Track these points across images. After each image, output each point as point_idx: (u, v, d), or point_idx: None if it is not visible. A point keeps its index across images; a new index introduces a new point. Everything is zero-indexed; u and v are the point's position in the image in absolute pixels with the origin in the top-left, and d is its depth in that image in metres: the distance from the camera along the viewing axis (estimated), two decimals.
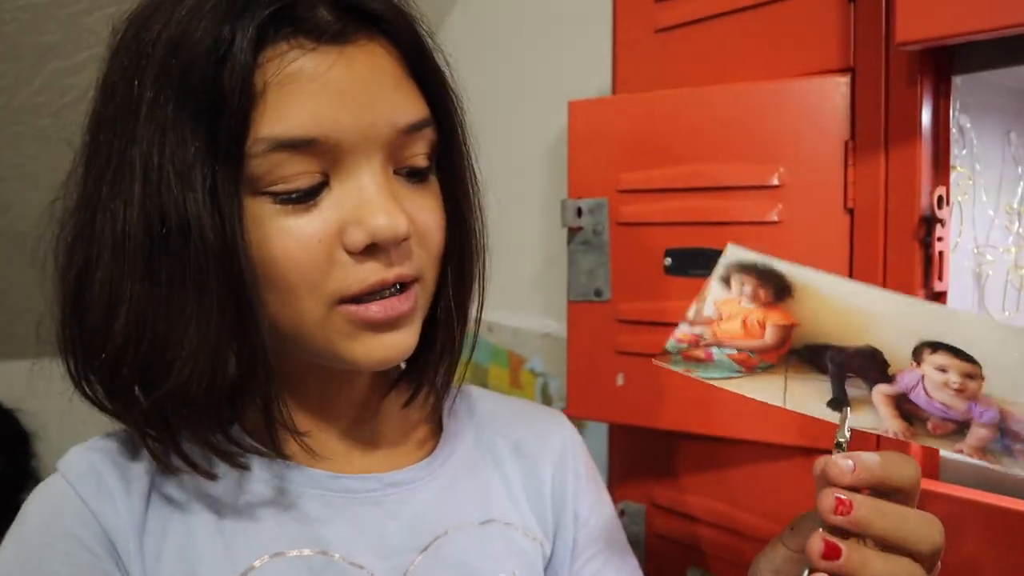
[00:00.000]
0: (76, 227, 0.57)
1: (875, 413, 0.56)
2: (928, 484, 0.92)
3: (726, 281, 0.62)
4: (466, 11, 1.99)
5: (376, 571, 0.65)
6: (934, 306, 0.59)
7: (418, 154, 0.62)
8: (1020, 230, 1.15)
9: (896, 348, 0.56)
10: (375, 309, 0.59)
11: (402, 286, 0.61)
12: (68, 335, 0.58)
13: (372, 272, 0.58)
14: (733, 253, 0.62)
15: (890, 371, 0.56)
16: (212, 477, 0.62)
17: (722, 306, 0.62)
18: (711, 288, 0.62)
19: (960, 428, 0.54)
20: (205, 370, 0.56)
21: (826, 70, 0.98)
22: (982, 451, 0.53)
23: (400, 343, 0.62)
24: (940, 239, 0.91)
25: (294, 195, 0.56)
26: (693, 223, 1.05)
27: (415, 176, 0.63)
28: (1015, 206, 1.15)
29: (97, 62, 0.57)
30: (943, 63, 0.92)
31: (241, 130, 0.54)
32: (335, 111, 0.56)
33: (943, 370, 0.55)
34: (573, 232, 1.14)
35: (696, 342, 0.61)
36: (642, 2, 1.16)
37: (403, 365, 0.73)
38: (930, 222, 0.91)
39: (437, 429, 0.76)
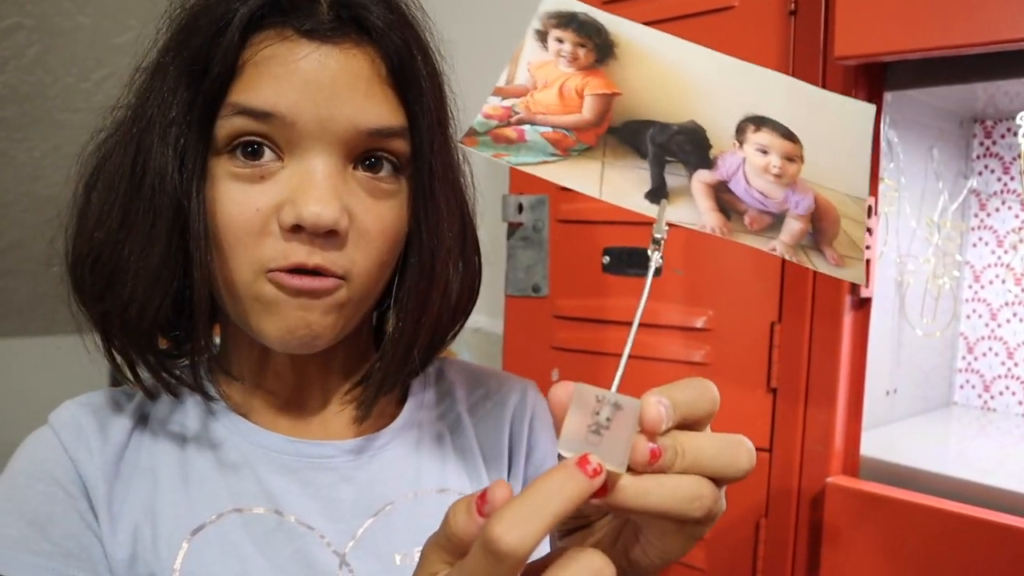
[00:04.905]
0: (100, 154, 0.66)
1: (693, 205, 0.51)
2: (848, 481, 0.96)
3: (542, 38, 0.56)
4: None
5: (326, 533, 0.66)
6: (762, 72, 0.56)
7: (383, 158, 0.64)
8: (939, 242, 1.20)
9: (720, 124, 0.53)
10: (294, 279, 0.61)
11: (322, 275, 0.63)
12: (70, 234, 0.66)
13: (295, 252, 0.60)
14: (551, 1, 0.57)
15: (712, 153, 0.52)
16: (151, 396, 0.70)
17: (537, 70, 0.56)
18: (525, 47, 0.56)
19: (776, 222, 0.51)
20: (142, 299, 0.62)
21: None
22: (795, 248, 0.50)
23: (308, 323, 0.62)
24: (867, 247, 0.95)
25: (245, 159, 0.62)
26: (631, 222, 1.07)
27: (376, 178, 0.64)
28: (935, 219, 1.21)
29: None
30: (876, 79, 0.96)
31: (217, 97, 0.60)
32: (296, 95, 0.60)
33: (764, 151, 0.52)
34: (513, 227, 1.15)
35: (507, 117, 0.54)
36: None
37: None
38: None
39: (403, 398, 0.77)
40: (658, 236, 0.49)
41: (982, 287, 1.35)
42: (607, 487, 0.41)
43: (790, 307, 0.99)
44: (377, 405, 0.74)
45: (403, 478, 0.71)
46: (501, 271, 1.18)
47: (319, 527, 0.67)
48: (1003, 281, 1.32)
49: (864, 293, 0.96)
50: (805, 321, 0.98)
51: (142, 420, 0.69)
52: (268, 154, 0.61)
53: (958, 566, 0.87)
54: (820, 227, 0.51)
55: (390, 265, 0.67)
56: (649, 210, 0.51)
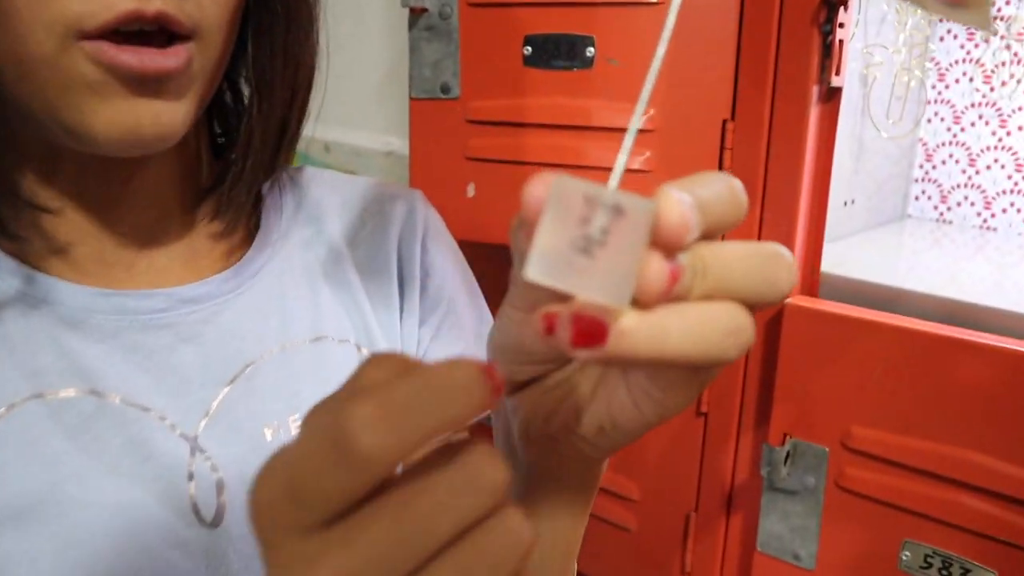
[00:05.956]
0: None
1: None
2: (808, 302, 0.84)
3: None
4: None
5: (168, 412, 0.51)
6: None
7: None
8: (909, 30, 1.04)
9: None
10: (128, 54, 0.43)
11: (170, 39, 0.45)
12: None
13: None
14: None
15: None
16: None
17: None
18: None
19: None
20: None
21: None
22: None
23: (159, 114, 0.45)
24: (842, 25, 0.79)
25: None
26: (556, 3, 0.89)
27: None
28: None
29: None
30: None
31: None
32: None
33: None
34: (416, 15, 0.95)
35: None
36: None
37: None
38: (831, 5, 0.79)
39: (255, 228, 0.61)
40: None
41: (947, 87, 1.21)
42: (602, 333, 0.27)
43: (745, 101, 0.83)
44: (223, 237, 0.57)
45: (265, 329, 0.56)
46: (405, 72, 0.99)
47: (157, 406, 0.51)
48: (970, 79, 1.19)
49: (836, 83, 0.81)
50: (763, 117, 0.83)
51: None
52: None
53: (917, 383, 0.78)
54: None
55: (237, 23, 0.50)
56: None
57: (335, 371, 0.58)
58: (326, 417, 0.26)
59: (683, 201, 0.27)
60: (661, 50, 0.31)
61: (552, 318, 0.28)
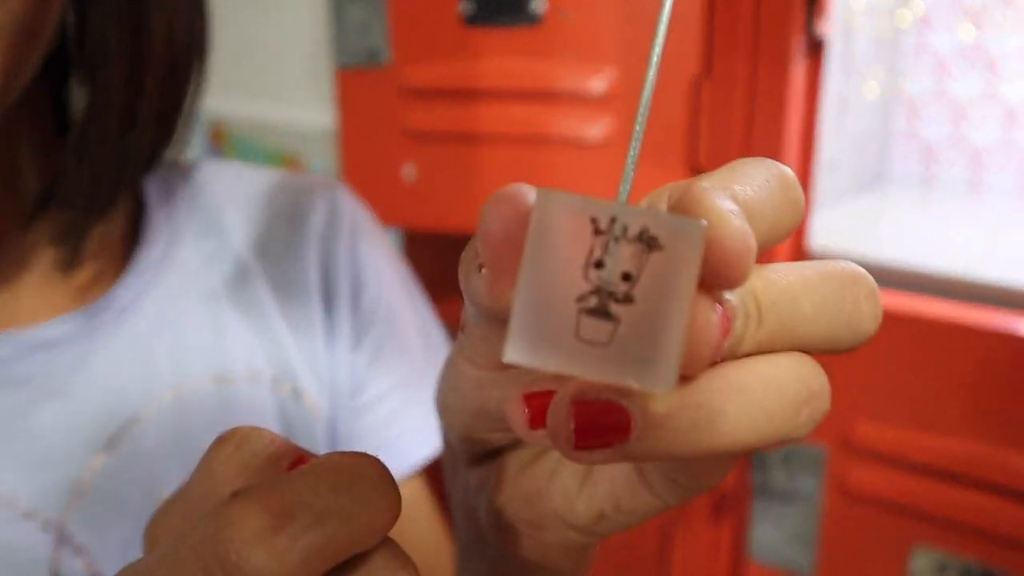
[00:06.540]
0: None
1: None
2: None
3: None
4: None
5: (22, 495, 0.41)
6: None
7: None
8: None
9: None
10: None
11: None
12: None
13: None
14: None
15: None
16: None
17: None
18: None
19: None
20: None
21: None
22: None
23: None
24: None
25: None
26: None
27: None
28: None
29: None
30: None
31: None
32: None
33: None
34: None
35: None
36: None
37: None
38: None
39: (131, 241, 0.49)
40: None
41: (931, 32, 1.12)
42: (623, 425, 0.19)
43: (721, 56, 0.73)
44: (92, 240, 0.45)
45: (152, 373, 0.45)
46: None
47: (7, 488, 0.41)
48: (956, 23, 1.09)
49: (821, 31, 0.70)
50: (741, 74, 0.72)
51: None
52: None
53: (927, 372, 0.70)
54: None
55: None
56: None
57: (245, 416, 0.47)
58: (196, 532, 0.19)
59: (737, 214, 0.18)
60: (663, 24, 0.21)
61: (538, 404, 0.19)
